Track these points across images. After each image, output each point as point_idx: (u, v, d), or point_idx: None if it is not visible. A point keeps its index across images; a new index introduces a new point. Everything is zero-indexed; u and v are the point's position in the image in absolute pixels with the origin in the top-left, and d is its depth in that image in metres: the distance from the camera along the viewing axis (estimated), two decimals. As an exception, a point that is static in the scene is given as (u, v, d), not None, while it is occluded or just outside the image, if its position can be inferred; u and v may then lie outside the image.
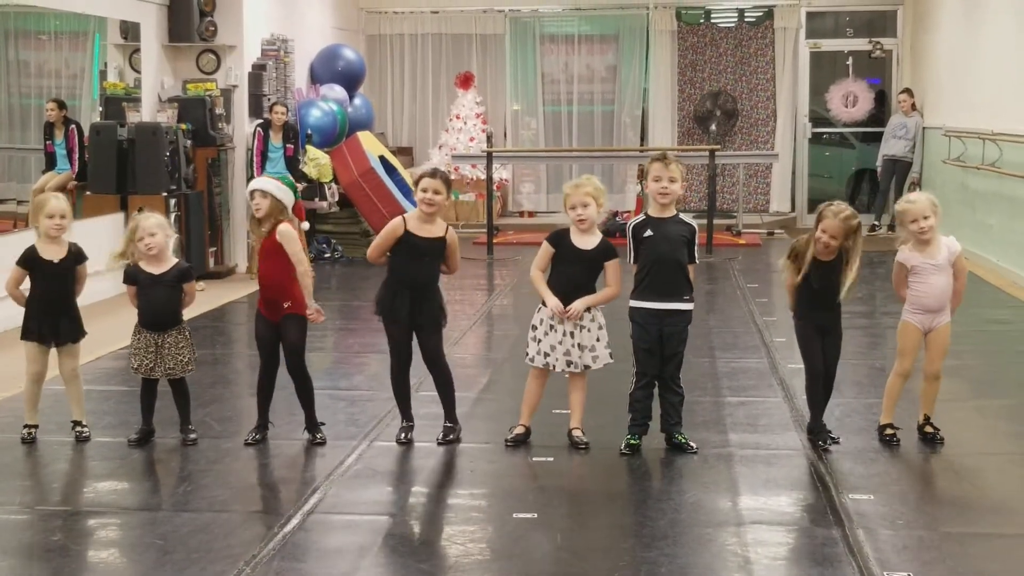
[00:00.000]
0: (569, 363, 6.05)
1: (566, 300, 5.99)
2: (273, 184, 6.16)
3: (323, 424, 6.26)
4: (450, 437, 6.17)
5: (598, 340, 6.07)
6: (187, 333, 6.22)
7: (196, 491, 5.50)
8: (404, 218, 6.13)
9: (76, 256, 6.19)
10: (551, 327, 6.04)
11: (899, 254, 6.09)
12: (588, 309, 6.00)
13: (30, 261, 6.13)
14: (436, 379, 6.25)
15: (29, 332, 6.17)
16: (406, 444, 6.14)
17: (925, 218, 5.96)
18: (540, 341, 6.08)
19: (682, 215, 6.08)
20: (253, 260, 5.97)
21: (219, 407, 6.90)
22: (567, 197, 6.03)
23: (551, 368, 6.09)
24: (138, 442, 6.13)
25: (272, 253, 6.09)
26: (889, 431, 6.09)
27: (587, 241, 6.03)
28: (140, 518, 5.18)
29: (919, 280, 6.03)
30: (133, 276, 6.15)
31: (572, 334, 6.02)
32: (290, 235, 6.08)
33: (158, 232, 6.08)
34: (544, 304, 6.04)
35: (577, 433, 6.10)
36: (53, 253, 6.13)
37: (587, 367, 6.08)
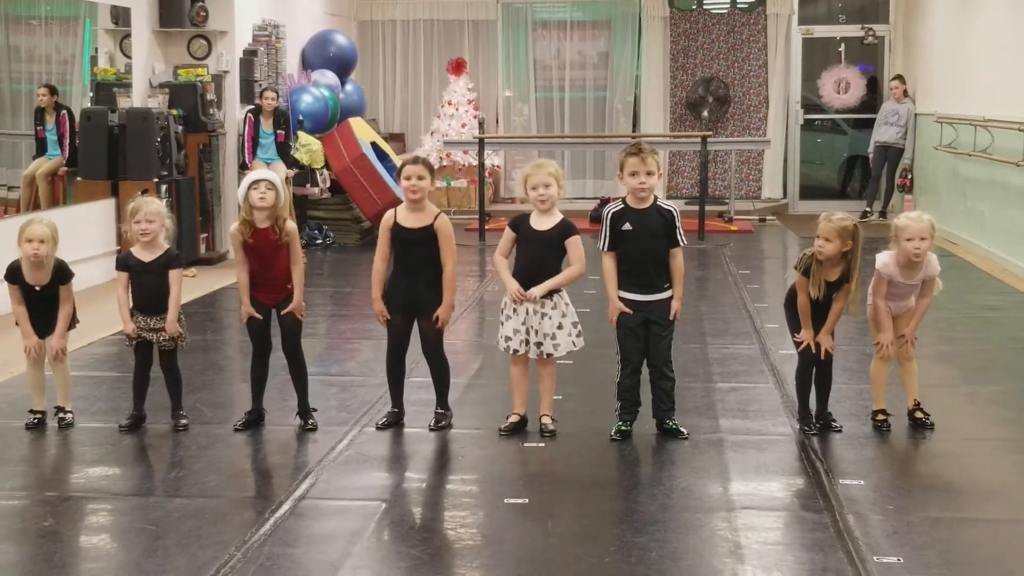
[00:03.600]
0: (527, 348, 6.05)
1: (530, 281, 5.98)
2: (278, 178, 6.24)
3: (315, 410, 6.26)
4: (442, 423, 6.17)
5: (559, 327, 6.01)
6: (180, 316, 6.21)
7: (187, 477, 5.50)
8: (395, 210, 6.15)
9: (60, 276, 6.15)
10: (514, 310, 6.04)
11: (880, 262, 6.04)
12: (550, 295, 6.00)
13: (17, 278, 6.12)
14: (432, 369, 6.24)
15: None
16: (383, 429, 6.15)
17: (923, 239, 5.90)
18: (503, 325, 6.09)
19: (661, 201, 6.03)
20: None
21: (210, 393, 6.89)
22: (528, 177, 6.02)
23: (512, 352, 6.09)
24: (129, 427, 6.12)
25: (276, 249, 6.11)
26: (881, 417, 6.10)
27: (546, 222, 6.01)
28: (131, 503, 5.18)
29: (891, 291, 6.07)
30: (124, 262, 6.15)
31: (532, 320, 6.02)
32: (296, 232, 6.19)
33: (156, 220, 6.09)
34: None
35: (546, 420, 6.09)
36: (36, 279, 6.11)
37: (548, 355, 6.05)
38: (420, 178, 5.99)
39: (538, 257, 6.01)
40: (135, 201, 6.19)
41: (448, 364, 6.27)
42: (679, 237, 5.97)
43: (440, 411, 6.22)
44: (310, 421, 6.19)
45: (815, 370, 6.05)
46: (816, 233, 5.88)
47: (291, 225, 6.17)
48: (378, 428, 6.17)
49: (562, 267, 6.04)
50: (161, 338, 6.12)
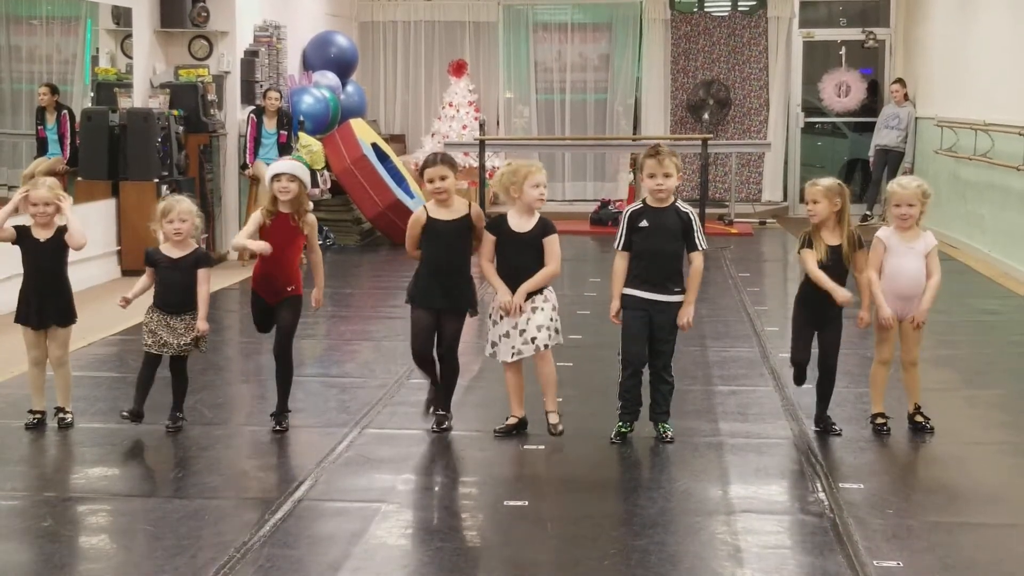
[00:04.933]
0: (515, 353, 6.03)
1: (511, 284, 5.99)
2: (301, 168, 6.22)
3: (290, 412, 6.24)
4: (443, 425, 6.17)
5: (551, 320, 6.03)
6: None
7: (187, 478, 5.50)
8: (425, 207, 6.14)
9: (64, 234, 6.17)
10: (501, 316, 6.04)
11: (880, 231, 6.12)
12: (540, 291, 6.00)
13: (20, 232, 6.13)
14: (442, 369, 6.23)
15: (20, 316, 6.17)
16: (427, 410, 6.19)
17: (910, 205, 5.98)
18: (490, 330, 6.10)
19: (679, 203, 6.04)
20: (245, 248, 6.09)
21: (210, 394, 6.88)
22: (529, 175, 5.98)
23: (497, 357, 6.09)
24: (132, 416, 6.05)
25: (291, 239, 6.11)
26: (880, 420, 6.10)
27: (525, 223, 6.02)
28: (131, 504, 5.18)
29: (893, 261, 6.04)
30: (152, 258, 6.14)
31: (518, 323, 6.00)
32: (315, 223, 6.20)
33: (188, 218, 6.10)
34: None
35: (553, 418, 6.09)
36: (42, 234, 6.14)
37: (545, 346, 6.01)
38: (443, 178, 5.97)
39: (519, 259, 6.02)
40: (166, 201, 6.19)
41: (458, 367, 6.25)
42: (698, 241, 5.96)
43: (441, 413, 6.21)
44: (284, 423, 6.18)
45: (818, 374, 6.05)
46: (806, 200, 5.97)
47: (311, 217, 6.18)
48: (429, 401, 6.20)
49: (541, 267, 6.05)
50: (182, 343, 6.11)
